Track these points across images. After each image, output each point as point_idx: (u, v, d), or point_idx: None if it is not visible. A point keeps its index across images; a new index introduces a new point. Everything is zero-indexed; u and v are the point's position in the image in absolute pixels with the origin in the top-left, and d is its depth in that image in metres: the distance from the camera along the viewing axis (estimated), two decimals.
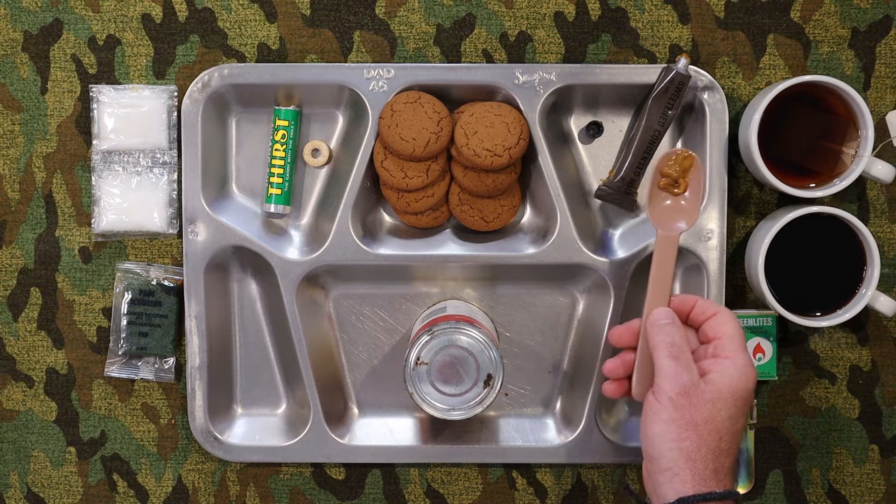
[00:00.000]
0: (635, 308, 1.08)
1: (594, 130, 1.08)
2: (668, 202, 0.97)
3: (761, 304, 1.07)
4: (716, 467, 0.87)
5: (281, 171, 1.06)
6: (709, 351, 0.91)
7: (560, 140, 1.07)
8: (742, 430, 0.90)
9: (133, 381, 1.10)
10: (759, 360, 1.07)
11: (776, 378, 1.08)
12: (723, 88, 1.05)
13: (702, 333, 0.93)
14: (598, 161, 1.08)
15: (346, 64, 1.06)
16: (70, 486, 1.10)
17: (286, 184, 1.06)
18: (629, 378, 0.95)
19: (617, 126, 1.08)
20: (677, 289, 1.08)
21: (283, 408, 1.11)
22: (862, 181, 1.07)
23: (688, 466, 0.86)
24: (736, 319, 0.92)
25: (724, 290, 1.05)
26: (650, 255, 0.98)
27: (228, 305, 1.09)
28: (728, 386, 0.88)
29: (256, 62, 1.07)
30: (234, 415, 1.10)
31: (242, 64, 1.06)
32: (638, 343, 0.95)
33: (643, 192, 1.04)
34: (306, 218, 1.09)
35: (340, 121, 1.08)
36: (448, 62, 1.07)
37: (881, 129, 1.06)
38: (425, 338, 0.98)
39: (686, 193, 0.96)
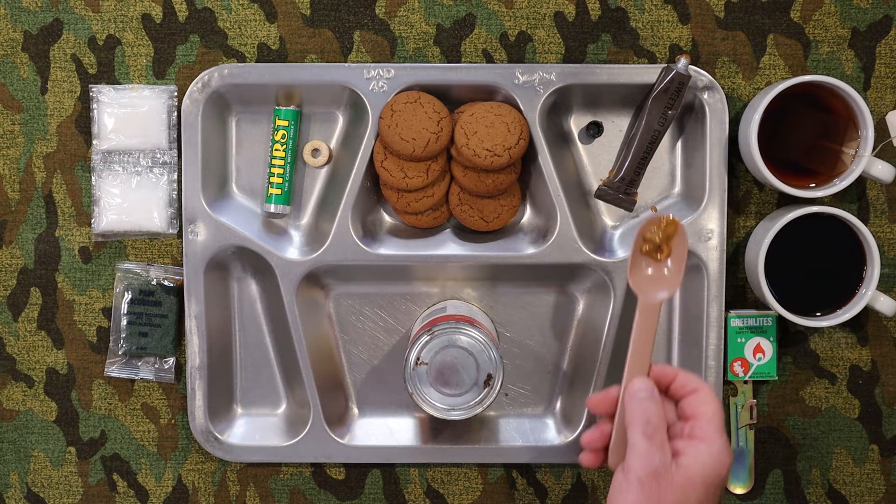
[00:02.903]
0: (635, 308, 1.08)
1: (594, 130, 1.08)
2: (651, 269, 0.91)
3: (761, 304, 1.07)
4: None
5: (281, 171, 1.06)
6: (685, 430, 0.87)
7: (560, 140, 1.07)
8: None
9: (133, 381, 1.10)
10: (759, 359, 1.07)
11: (776, 378, 1.08)
12: (723, 88, 1.05)
13: (680, 409, 0.89)
14: (598, 161, 1.08)
15: (346, 64, 1.06)
16: (70, 486, 1.10)
17: (286, 184, 1.06)
18: (607, 449, 0.91)
19: (617, 126, 1.08)
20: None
21: (283, 408, 1.11)
22: (862, 181, 1.07)
23: None
24: (716, 399, 0.87)
25: (724, 290, 1.05)
26: None
27: (228, 305, 1.09)
28: (700, 472, 0.84)
29: (256, 62, 1.07)
30: (234, 415, 1.10)
31: (242, 64, 1.06)
32: (616, 411, 0.90)
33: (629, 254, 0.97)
34: (306, 218, 1.09)
35: (340, 121, 1.08)
36: (448, 62, 1.07)
37: (881, 129, 1.06)
38: (425, 338, 0.98)
39: (669, 261, 0.91)
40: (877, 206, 1.08)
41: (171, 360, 1.09)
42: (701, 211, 1.04)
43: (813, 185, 1.03)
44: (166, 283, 1.08)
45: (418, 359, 0.98)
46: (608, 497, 0.87)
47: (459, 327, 0.98)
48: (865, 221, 1.07)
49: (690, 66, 1.03)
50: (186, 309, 1.06)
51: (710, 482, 0.85)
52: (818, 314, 1.04)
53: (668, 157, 1.08)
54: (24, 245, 1.08)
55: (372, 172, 1.05)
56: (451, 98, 1.05)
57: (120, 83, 1.07)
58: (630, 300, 1.06)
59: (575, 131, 1.08)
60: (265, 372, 1.10)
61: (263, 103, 1.07)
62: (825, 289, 1.04)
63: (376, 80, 1.04)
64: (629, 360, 0.89)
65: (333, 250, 1.05)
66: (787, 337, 1.09)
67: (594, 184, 1.08)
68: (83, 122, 1.07)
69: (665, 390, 0.90)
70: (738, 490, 1.09)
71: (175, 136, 1.07)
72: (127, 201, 1.07)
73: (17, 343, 1.09)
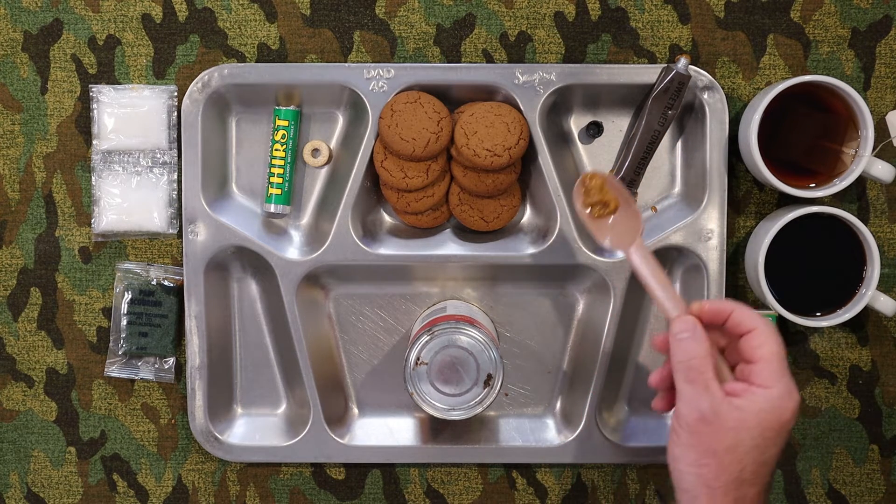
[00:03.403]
0: (635, 308, 1.08)
1: (594, 130, 1.08)
2: (611, 223, 0.94)
3: (761, 304, 1.07)
4: (737, 497, 0.81)
5: (281, 171, 1.06)
6: (744, 372, 0.83)
7: (560, 140, 1.07)
8: (774, 458, 0.82)
9: (133, 381, 1.10)
10: None
11: None
12: (723, 88, 1.05)
13: (739, 348, 0.85)
14: (598, 161, 1.08)
15: (346, 64, 1.06)
16: (70, 486, 1.10)
17: (286, 184, 1.06)
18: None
19: (617, 126, 1.08)
20: (677, 289, 1.08)
21: (283, 408, 1.11)
22: (862, 181, 1.07)
23: (706, 494, 0.81)
24: (775, 337, 0.83)
25: (724, 290, 1.05)
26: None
27: (228, 305, 1.09)
28: (755, 417, 0.81)
29: (256, 62, 1.07)
30: (234, 415, 1.10)
31: (242, 64, 1.06)
32: None
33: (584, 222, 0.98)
34: (306, 218, 1.09)
35: (340, 121, 1.08)
36: (448, 62, 1.07)
37: (881, 129, 1.06)
38: (425, 338, 0.98)
39: (620, 207, 0.94)
40: (877, 206, 1.08)
41: (171, 360, 1.09)
42: (701, 211, 1.04)
43: (813, 185, 1.03)
44: (166, 283, 1.08)
45: (418, 359, 0.98)
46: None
47: (459, 327, 0.98)
48: (865, 221, 1.07)
49: (690, 66, 1.03)
50: (186, 309, 1.06)
51: (766, 426, 0.81)
52: (818, 314, 1.04)
53: (668, 157, 1.08)
54: (24, 245, 1.08)
55: (372, 172, 1.05)
56: (451, 98, 1.05)
57: (120, 83, 1.07)
58: (630, 300, 1.06)
59: (575, 131, 1.08)
60: (265, 372, 1.10)
61: (263, 103, 1.07)
62: (825, 289, 1.04)
63: (376, 80, 1.04)
64: (659, 301, 0.88)
65: (333, 250, 1.05)
66: (787, 337, 1.09)
67: None
68: (83, 122, 1.07)
69: (721, 326, 0.86)
70: None
71: (175, 136, 1.07)
72: (127, 201, 1.07)
73: (17, 343, 1.09)
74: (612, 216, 0.94)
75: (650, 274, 0.90)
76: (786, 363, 0.83)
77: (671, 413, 0.87)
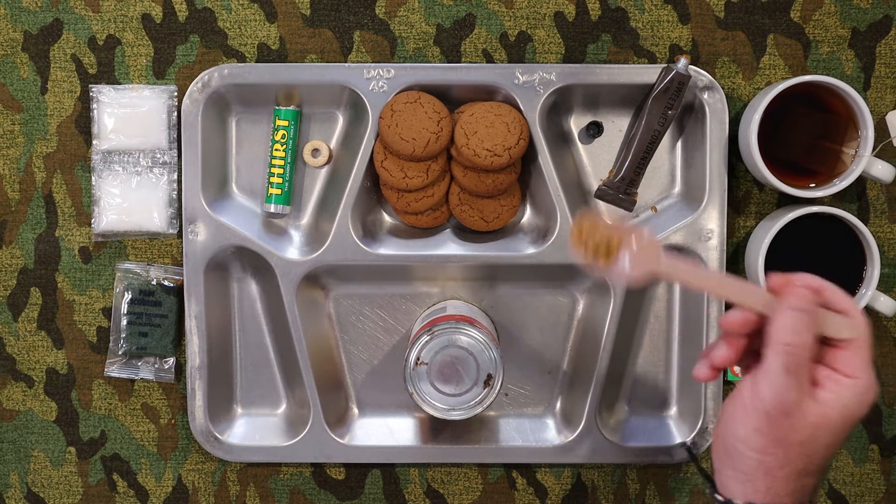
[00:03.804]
0: (635, 308, 1.08)
1: (594, 130, 1.08)
2: (628, 259, 0.80)
3: None
4: (796, 487, 0.76)
5: (281, 171, 1.06)
6: (828, 357, 0.77)
7: (560, 140, 1.07)
8: (838, 448, 0.77)
9: (133, 381, 1.10)
10: None
11: None
12: (723, 88, 1.05)
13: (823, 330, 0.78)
14: (598, 161, 1.08)
15: (346, 64, 1.06)
16: (70, 486, 1.10)
17: (286, 184, 1.06)
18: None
19: (617, 126, 1.08)
20: (677, 288, 1.08)
21: (283, 408, 1.11)
22: (862, 181, 1.07)
23: (765, 480, 0.76)
24: (867, 326, 0.77)
25: None
26: None
27: (228, 305, 1.09)
28: (839, 411, 0.75)
29: (256, 62, 1.07)
30: (234, 415, 1.10)
31: (242, 64, 1.06)
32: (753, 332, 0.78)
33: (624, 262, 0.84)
34: (306, 218, 1.09)
35: (340, 121, 1.08)
36: (448, 62, 1.07)
37: (881, 129, 1.06)
38: (425, 338, 0.98)
39: (623, 238, 0.80)
40: (877, 206, 1.08)
41: (171, 360, 1.09)
42: (701, 211, 1.04)
43: (813, 185, 1.03)
44: (166, 283, 1.08)
45: (418, 359, 0.98)
46: (723, 410, 0.78)
47: (459, 327, 0.98)
48: (865, 221, 1.07)
49: (690, 66, 1.03)
50: (186, 309, 1.06)
51: (847, 423, 0.76)
52: None
53: (668, 157, 1.08)
54: (24, 245, 1.08)
55: (372, 172, 1.05)
56: (451, 98, 1.05)
57: (120, 83, 1.07)
58: (630, 300, 1.06)
59: (575, 131, 1.08)
60: (265, 372, 1.10)
61: (263, 103, 1.07)
62: None
63: (376, 80, 1.04)
64: (738, 296, 0.78)
65: (333, 250, 1.05)
66: None
67: (594, 184, 1.08)
68: (83, 122, 1.07)
69: None
70: None
71: (175, 136, 1.07)
72: (127, 201, 1.07)
73: (17, 343, 1.09)
74: (623, 251, 0.80)
75: (702, 276, 0.81)
76: (872, 356, 0.77)
77: (716, 381, 0.80)
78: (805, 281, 0.78)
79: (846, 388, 0.75)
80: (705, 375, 0.80)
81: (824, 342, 0.77)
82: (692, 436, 1.06)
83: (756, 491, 0.76)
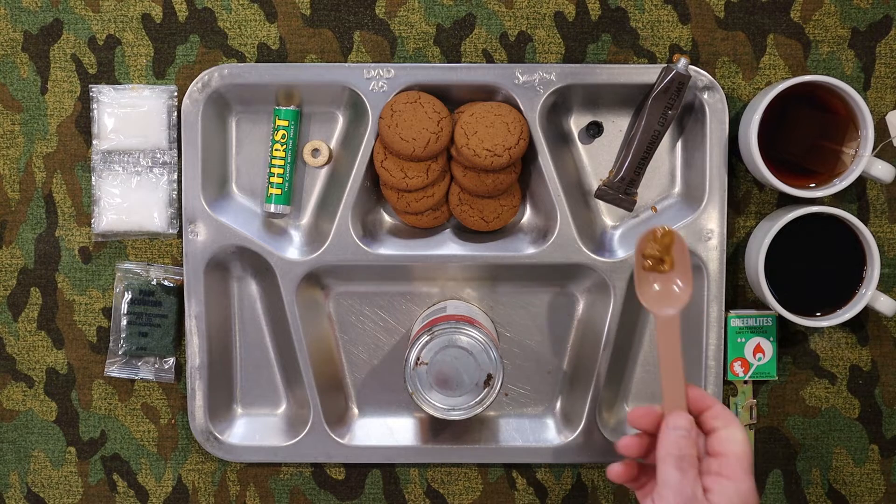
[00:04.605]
0: (635, 308, 1.08)
1: (594, 130, 1.08)
2: (658, 284, 0.91)
3: (761, 304, 1.07)
4: None
5: (281, 171, 1.06)
6: (712, 467, 0.87)
7: (560, 140, 1.07)
8: None
9: (133, 381, 1.10)
10: (760, 359, 1.07)
11: (776, 378, 1.08)
12: (723, 88, 1.05)
13: (709, 444, 0.89)
14: (598, 161, 1.08)
15: (346, 64, 1.06)
16: (70, 486, 1.10)
17: (286, 184, 1.06)
18: (640, 461, 0.92)
19: (617, 126, 1.08)
20: None
21: (283, 408, 1.11)
22: (862, 181, 1.07)
23: None
24: (746, 439, 0.88)
25: (724, 290, 1.05)
26: None
27: (228, 305, 1.09)
28: None
29: (256, 62, 1.07)
30: (234, 415, 1.10)
31: (242, 64, 1.06)
32: (658, 429, 0.90)
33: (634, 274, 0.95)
34: (306, 218, 1.09)
35: (340, 121, 1.08)
36: (448, 62, 1.07)
37: (881, 129, 1.06)
38: (425, 338, 0.98)
39: (675, 273, 0.91)
40: (877, 206, 1.08)
41: (171, 360, 1.09)
42: (701, 211, 1.04)
43: (813, 185, 1.03)
44: (166, 283, 1.08)
45: (418, 359, 0.98)
46: None
47: (459, 327, 0.98)
48: (865, 221, 1.07)
49: (690, 66, 1.03)
50: (186, 309, 1.06)
51: None
52: (818, 314, 1.04)
53: (668, 157, 1.08)
54: (24, 245, 1.08)
55: (372, 172, 1.05)
56: (451, 98, 1.05)
57: (120, 83, 1.07)
58: (630, 300, 1.06)
59: (575, 131, 1.08)
60: (265, 372, 1.10)
61: (263, 103, 1.07)
62: (825, 289, 1.04)
63: (376, 80, 1.04)
64: (664, 381, 0.89)
65: (333, 250, 1.05)
66: (787, 337, 1.09)
67: (594, 184, 1.08)
68: (83, 122, 1.07)
69: (696, 416, 0.90)
70: None
71: (175, 136, 1.07)
72: (127, 201, 1.07)
73: (17, 343, 1.09)
74: (663, 276, 0.91)
75: (667, 349, 0.89)
76: (752, 465, 0.87)
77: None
78: (696, 394, 0.90)
79: (730, 489, 0.86)
80: (619, 473, 0.92)
81: (709, 454, 0.88)
82: None
83: None
